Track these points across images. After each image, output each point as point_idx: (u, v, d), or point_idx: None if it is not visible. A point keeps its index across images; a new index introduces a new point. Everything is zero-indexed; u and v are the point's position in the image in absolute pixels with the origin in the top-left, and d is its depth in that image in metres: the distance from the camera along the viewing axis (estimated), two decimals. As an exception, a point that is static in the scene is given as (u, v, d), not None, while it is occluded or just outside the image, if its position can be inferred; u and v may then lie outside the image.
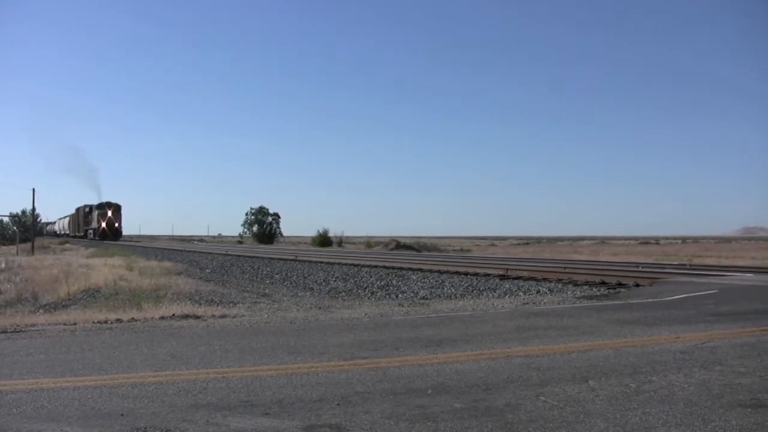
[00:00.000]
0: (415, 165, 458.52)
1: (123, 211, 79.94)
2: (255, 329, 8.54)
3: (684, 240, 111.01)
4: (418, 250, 52.20)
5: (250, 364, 6.05)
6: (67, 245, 62.88)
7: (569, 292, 14.33)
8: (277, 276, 22.49)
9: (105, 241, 67.68)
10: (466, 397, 4.76)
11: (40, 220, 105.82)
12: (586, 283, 16.17)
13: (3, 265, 30.22)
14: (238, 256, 36.84)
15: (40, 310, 15.82)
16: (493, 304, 11.86)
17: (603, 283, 15.90)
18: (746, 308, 9.94)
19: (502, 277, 18.60)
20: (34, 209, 77.01)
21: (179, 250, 46.81)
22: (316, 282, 19.75)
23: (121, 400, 4.74)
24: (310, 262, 28.70)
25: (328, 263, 26.95)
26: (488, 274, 19.48)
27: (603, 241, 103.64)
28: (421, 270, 22.05)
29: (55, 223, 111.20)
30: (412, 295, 15.43)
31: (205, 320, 9.64)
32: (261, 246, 68.32)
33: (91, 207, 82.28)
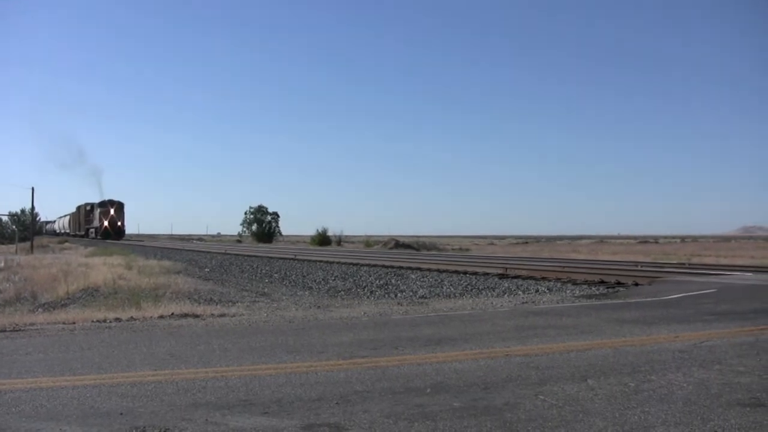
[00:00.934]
0: (415, 164, 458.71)
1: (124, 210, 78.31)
2: (254, 328, 8.54)
3: (683, 239, 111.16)
4: (417, 249, 52.23)
5: (249, 363, 6.05)
6: (66, 244, 62.78)
7: (568, 292, 14.34)
8: (276, 275, 22.49)
9: (107, 241, 66.15)
10: (465, 396, 4.76)
11: (39, 219, 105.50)
12: (585, 282, 16.18)
13: (2, 264, 30.21)
14: (237, 255, 36.84)
15: (39, 309, 15.81)
16: (492, 303, 11.87)
17: (602, 282, 15.91)
18: (745, 307, 9.95)
19: (501, 277, 18.61)
20: (33, 208, 76.91)
21: (178, 249, 46.82)
22: (315, 281, 19.76)
23: (120, 399, 4.74)
24: (309, 261, 28.70)
25: (327, 262, 26.96)
26: (487, 273, 19.49)
27: (602, 240, 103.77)
28: (420, 269, 22.06)
29: (54, 222, 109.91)
30: (411, 294, 15.43)
31: (204, 319, 9.64)
32: (260, 245, 68.32)
33: (92, 205, 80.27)
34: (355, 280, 19.14)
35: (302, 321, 9.26)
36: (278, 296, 15.47)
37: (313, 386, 5.09)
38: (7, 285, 22.39)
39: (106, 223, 74.73)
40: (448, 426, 4.07)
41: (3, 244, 75.46)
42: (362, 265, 24.61)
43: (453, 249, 57.01)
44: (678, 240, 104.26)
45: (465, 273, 19.94)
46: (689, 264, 23.92)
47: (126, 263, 26.27)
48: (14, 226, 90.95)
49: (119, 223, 76.28)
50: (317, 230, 69.34)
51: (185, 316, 10.05)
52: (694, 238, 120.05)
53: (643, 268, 19.53)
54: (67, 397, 4.82)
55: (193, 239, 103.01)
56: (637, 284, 14.87)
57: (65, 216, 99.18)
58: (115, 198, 78.63)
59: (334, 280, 19.76)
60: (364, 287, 17.35)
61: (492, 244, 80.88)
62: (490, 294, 14.67)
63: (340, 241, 69.24)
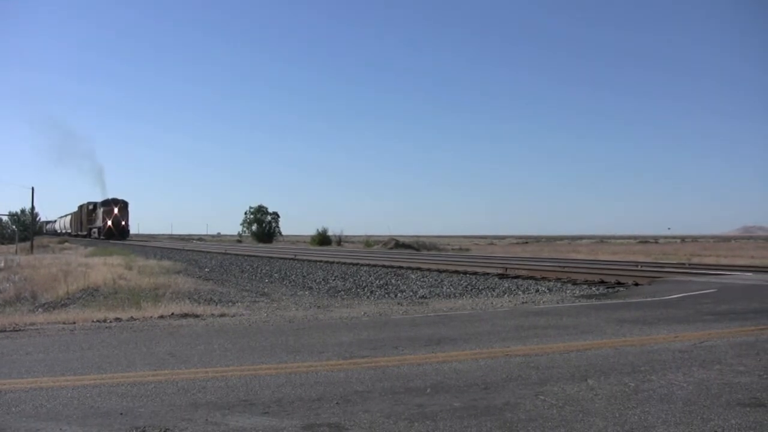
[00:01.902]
0: (415, 164, 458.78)
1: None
2: (254, 328, 8.54)
3: (683, 239, 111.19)
4: (417, 249, 52.20)
5: (249, 363, 6.05)
6: (66, 244, 62.59)
7: (568, 291, 14.34)
8: (276, 275, 22.48)
9: (111, 241, 64.16)
10: (465, 396, 4.76)
11: (39, 219, 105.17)
12: (585, 282, 16.18)
13: (2, 264, 30.19)
14: (237, 255, 36.84)
15: (39, 309, 15.80)
16: (492, 303, 11.87)
17: (602, 282, 15.91)
18: (745, 307, 9.95)
19: (501, 276, 18.61)
20: (33, 208, 76.77)
21: (178, 249, 46.81)
22: (315, 281, 19.75)
23: (120, 399, 4.74)
24: (309, 261, 28.70)
25: (327, 262, 26.95)
26: (487, 273, 19.49)
27: (602, 240, 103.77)
28: (420, 269, 22.06)
29: (55, 221, 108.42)
30: (411, 294, 15.43)
31: (204, 319, 9.64)
32: (260, 245, 68.27)
33: (95, 204, 78.02)
34: (355, 280, 19.14)
35: (302, 321, 9.27)
36: (278, 296, 15.47)
37: (313, 386, 5.09)
38: (7, 285, 22.37)
39: (109, 222, 72.54)
40: (448, 426, 4.07)
41: (3, 244, 75.22)
42: (362, 265, 24.60)
43: (453, 249, 56.97)
44: (678, 240, 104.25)
45: (465, 273, 19.94)
46: (689, 264, 23.92)
47: (126, 263, 26.27)
48: (14, 226, 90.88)
49: (123, 223, 73.95)
50: (317, 230, 69.36)
51: (185, 316, 10.06)
52: (694, 238, 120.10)
53: (643, 268, 19.53)
54: (67, 397, 4.83)
55: (193, 239, 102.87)
56: (637, 284, 14.87)
57: (66, 215, 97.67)
58: (119, 197, 76.36)
59: (334, 280, 19.76)
60: (364, 287, 17.35)
61: (492, 244, 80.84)
62: (490, 294, 14.67)
63: (340, 241, 69.20)
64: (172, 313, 10.31)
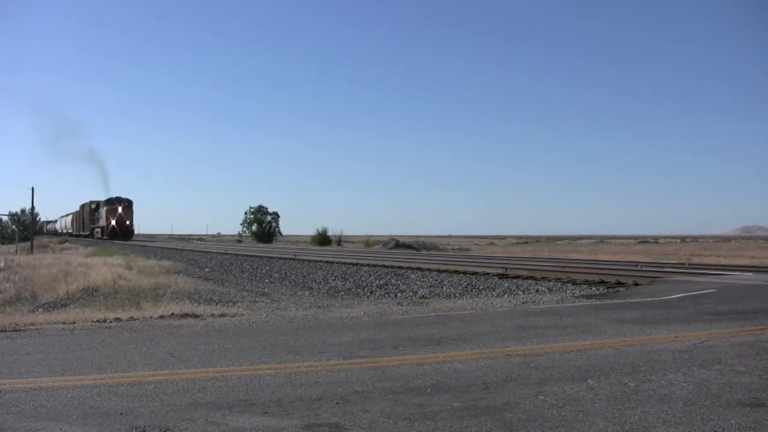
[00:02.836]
0: (415, 164, 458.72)
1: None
2: (254, 328, 8.54)
3: (683, 239, 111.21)
4: (417, 249, 52.21)
5: (249, 363, 6.05)
6: (67, 244, 62.53)
7: (568, 291, 14.34)
8: (276, 275, 22.48)
9: (115, 241, 61.75)
10: (465, 396, 4.76)
11: (40, 218, 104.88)
12: (585, 282, 16.18)
13: (2, 264, 30.19)
14: (237, 255, 36.83)
15: (39, 309, 15.81)
16: (492, 303, 11.87)
17: (602, 282, 15.91)
18: (745, 307, 9.95)
19: (501, 276, 18.61)
20: (33, 208, 76.78)
21: (178, 249, 46.79)
22: (315, 281, 19.76)
23: (120, 399, 4.74)
24: (309, 261, 28.70)
25: (327, 262, 26.95)
26: (487, 273, 19.49)
27: (602, 240, 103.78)
28: (420, 269, 22.06)
29: (56, 221, 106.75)
30: (411, 294, 15.43)
31: (204, 319, 9.64)
32: (260, 245, 68.25)
33: (98, 203, 75.43)
34: (355, 280, 19.14)
35: (302, 321, 9.27)
36: (278, 296, 15.47)
37: (313, 386, 5.09)
38: (7, 285, 22.38)
39: (113, 222, 69.57)
40: (448, 426, 4.07)
41: (3, 244, 75.16)
42: (362, 265, 24.60)
43: (453, 249, 56.98)
44: (678, 240, 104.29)
45: (465, 273, 19.94)
46: (689, 264, 23.92)
47: (126, 263, 26.27)
48: (14, 226, 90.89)
49: (128, 223, 71.18)
50: (317, 230, 69.38)
51: (185, 316, 10.06)
52: (694, 238, 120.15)
53: (643, 268, 19.52)
54: (67, 397, 4.83)
55: (193, 239, 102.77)
56: (637, 284, 14.87)
57: (68, 215, 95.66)
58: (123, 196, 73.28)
59: (334, 280, 19.76)
60: (364, 287, 17.35)
61: (492, 244, 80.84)
62: (490, 294, 14.67)
63: (340, 241, 69.21)
64: (172, 313, 10.31)
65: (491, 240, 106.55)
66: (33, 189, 62.49)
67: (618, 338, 7.22)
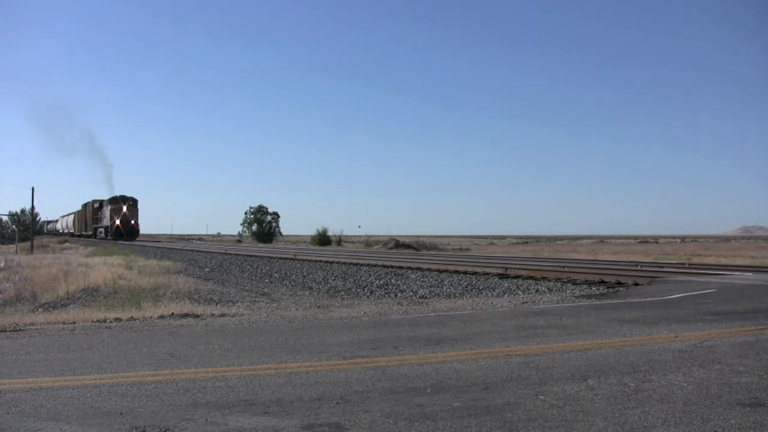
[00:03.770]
0: (415, 164, 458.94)
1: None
2: (254, 328, 8.54)
3: (683, 239, 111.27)
4: (417, 249, 52.21)
5: (249, 363, 6.05)
6: (67, 244, 62.39)
7: (568, 291, 14.34)
8: (276, 275, 22.48)
9: (119, 242, 59.89)
10: (465, 396, 4.76)
11: (40, 218, 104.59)
12: (585, 282, 16.19)
13: (2, 264, 30.19)
14: (237, 255, 36.84)
15: (39, 309, 15.80)
16: (492, 303, 11.87)
17: (602, 282, 15.92)
18: (745, 307, 9.95)
19: (501, 276, 18.62)
20: (33, 208, 76.83)
21: (178, 249, 46.80)
22: (315, 281, 19.76)
23: (120, 399, 4.74)
24: (309, 261, 28.70)
25: (327, 262, 26.96)
26: (487, 273, 19.49)
27: (602, 240, 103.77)
28: (420, 269, 22.06)
29: (57, 221, 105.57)
30: (411, 294, 15.43)
31: (204, 319, 9.64)
32: (260, 245, 68.20)
33: (101, 202, 72.65)
34: (355, 280, 19.14)
35: (302, 321, 9.26)
36: (278, 296, 15.47)
37: (314, 386, 5.09)
38: (7, 285, 22.36)
39: (118, 221, 66.81)
40: (448, 426, 4.07)
41: (3, 244, 75.06)
42: (362, 265, 24.61)
43: (453, 249, 56.96)
44: (678, 240, 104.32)
45: (465, 273, 19.95)
46: (689, 264, 23.92)
47: (126, 263, 26.27)
48: (14, 226, 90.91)
49: (133, 222, 68.34)
50: (317, 230, 69.34)
51: (185, 316, 10.06)
52: (694, 238, 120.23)
53: (643, 268, 19.52)
54: (67, 396, 4.83)
55: (193, 239, 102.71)
56: (637, 284, 14.87)
57: (69, 214, 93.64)
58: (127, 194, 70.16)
59: (335, 279, 19.76)
60: (364, 287, 17.35)
61: (492, 244, 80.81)
62: (490, 294, 14.67)
63: (340, 241, 69.21)
64: (172, 313, 10.31)
65: (491, 240, 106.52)
66: (33, 189, 62.70)
67: (618, 338, 7.22)
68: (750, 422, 4.09)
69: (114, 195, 70.23)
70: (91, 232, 75.65)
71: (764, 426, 4.04)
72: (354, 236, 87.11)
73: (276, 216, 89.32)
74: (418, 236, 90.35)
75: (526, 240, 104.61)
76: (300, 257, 31.08)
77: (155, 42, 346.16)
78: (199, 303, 13.10)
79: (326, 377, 5.40)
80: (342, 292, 16.47)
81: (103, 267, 24.20)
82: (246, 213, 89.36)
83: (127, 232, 66.79)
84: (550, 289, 15.04)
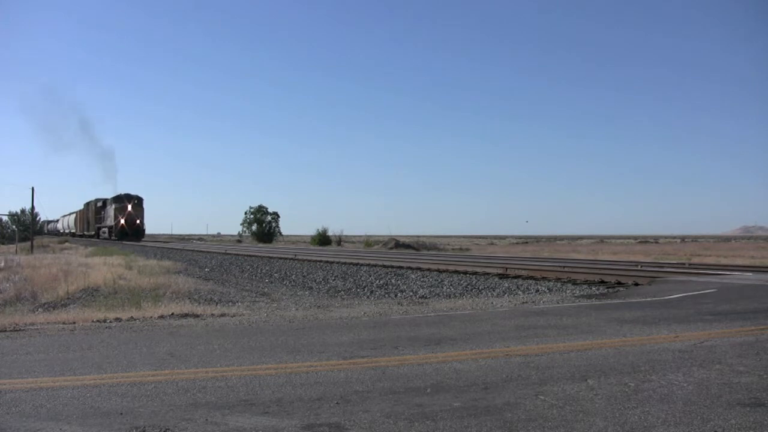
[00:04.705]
0: (415, 164, 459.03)
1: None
2: (254, 328, 8.54)
3: (683, 239, 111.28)
4: (417, 249, 52.20)
5: (249, 363, 6.05)
6: (67, 244, 62.24)
7: (568, 291, 14.34)
8: (276, 275, 22.48)
9: (124, 242, 57.62)
10: (465, 396, 4.76)
11: (40, 218, 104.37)
12: (585, 282, 16.19)
13: (2, 264, 30.18)
14: (237, 255, 36.84)
15: (39, 309, 15.80)
16: (492, 303, 11.87)
17: (602, 282, 15.92)
18: (745, 307, 9.95)
19: (501, 276, 18.62)
20: (33, 207, 76.77)
21: (178, 249, 46.80)
22: (315, 281, 19.75)
23: (120, 399, 4.74)
24: (309, 261, 28.70)
25: (327, 262, 26.95)
26: (487, 273, 19.49)
27: (602, 240, 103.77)
28: (420, 269, 22.06)
29: (58, 221, 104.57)
30: (411, 294, 15.43)
31: (204, 319, 9.64)
32: (260, 245, 68.14)
33: (105, 201, 69.69)
34: (355, 280, 19.14)
35: (302, 321, 9.26)
36: (278, 296, 15.47)
37: (314, 386, 5.09)
38: (7, 285, 22.36)
39: (122, 221, 63.84)
40: (448, 426, 4.07)
41: (3, 244, 74.98)
42: (362, 265, 24.60)
43: (453, 249, 56.94)
44: (678, 240, 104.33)
45: (465, 273, 19.94)
46: (689, 264, 23.91)
47: (126, 263, 26.27)
48: (14, 226, 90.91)
49: (138, 222, 65.39)
50: (317, 230, 69.31)
51: (185, 316, 10.06)
52: (694, 238, 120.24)
53: (644, 268, 19.52)
54: (67, 396, 4.83)
55: (193, 239, 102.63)
56: (637, 284, 14.87)
57: (71, 214, 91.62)
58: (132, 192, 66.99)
59: (335, 279, 19.76)
60: (364, 287, 17.35)
61: (492, 244, 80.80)
62: (490, 294, 14.67)
63: (340, 241, 69.19)
64: (172, 313, 10.31)
65: (491, 240, 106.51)
66: (33, 189, 62.65)
67: (618, 338, 7.22)
68: (750, 422, 4.09)
69: (118, 193, 67.28)
70: (93, 232, 73.41)
71: (764, 426, 4.04)
72: (354, 236, 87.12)
73: (276, 216, 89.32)
74: (418, 236, 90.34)
75: (526, 240, 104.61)
76: (300, 257, 31.08)
77: (155, 42, 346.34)
78: (199, 303, 13.10)
79: (326, 377, 5.40)
80: (342, 292, 16.47)
81: (103, 267, 24.20)
82: (246, 213, 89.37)
83: (133, 232, 64.30)
84: (550, 289, 15.04)
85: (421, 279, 18.81)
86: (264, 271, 24.51)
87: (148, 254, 36.83)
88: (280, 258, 31.82)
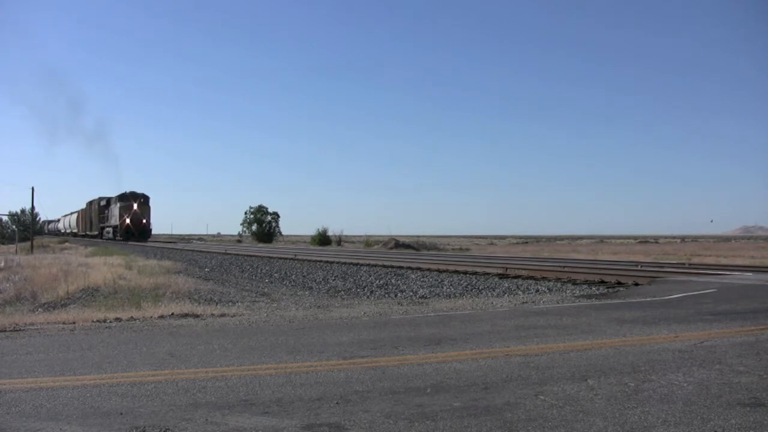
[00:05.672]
0: (415, 164, 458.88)
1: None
2: (254, 328, 8.54)
3: (683, 239, 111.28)
4: (417, 249, 52.19)
5: (249, 363, 6.05)
6: (67, 244, 62.05)
7: (568, 291, 14.33)
8: (276, 275, 22.48)
9: (130, 242, 55.85)
10: (465, 396, 4.76)
11: (40, 218, 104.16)
12: (585, 282, 16.19)
13: (2, 264, 30.18)
14: (238, 255, 36.83)
15: (39, 309, 15.79)
16: (492, 303, 11.87)
17: (602, 282, 15.91)
18: (745, 307, 9.94)
19: (501, 276, 18.61)
20: (33, 207, 76.73)
21: (178, 249, 46.79)
22: (315, 281, 19.75)
23: (120, 399, 4.75)
24: (309, 261, 28.69)
25: (327, 262, 26.95)
26: (487, 273, 19.49)
27: (602, 240, 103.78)
28: (420, 269, 22.06)
29: (58, 220, 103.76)
30: (411, 294, 15.43)
31: (204, 319, 9.64)
32: (260, 245, 68.10)
33: (108, 200, 67.16)
34: (355, 280, 19.14)
35: (302, 321, 9.26)
36: (278, 296, 15.46)
37: (314, 386, 5.09)
38: (7, 285, 22.36)
39: (128, 220, 61.20)
40: (448, 426, 4.07)
41: (3, 244, 74.92)
42: (362, 265, 24.60)
43: (453, 249, 56.92)
44: (678, 240, 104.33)
45: (465, 273, 19.94)
46: (689, 264, 23.91)
47: (126, 263, 26.26)
48: (14, 226, 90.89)
49: (144, 221, 62.78)
50: (317, 230, 69.32)
51: (185, 316, 10.06)
52: (694, 238, 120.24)
53: (644, 268, 19.51)
54: (67, 396, 4.83)
55: (193, 239, 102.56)
56: (637, 284, 14.86)
57: (72, 213, 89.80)
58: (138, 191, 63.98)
59: (335, 279, 19.75)
60: (364, 287, 17.34)
61: (492, 244, 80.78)
62: (490, 294, 14.67)
63: (340, 241, 69.19)
64: (172, 313, 10.31)
65: (491, 240, 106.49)
66: (33, 189, 62.52)
67: (618, 338, 7.22)
68: (750, 422, 4.09)
69: (123, 191, 64.09)
70: (96, 232, 70.91)
71: (764, 426, 4.04)
72: (354, 236, 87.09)
73: (276, 216, 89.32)
74: (418, 236, 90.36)
75: (526, 240, 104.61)
76: (300, 257, 31.08)
77: (155, 42, 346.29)
78: (199, 303, 13.10)
79: (326, 377, 5.40)
80: (342, 292, 16.47)
81: (103, 267, 24.20)
82: (246, 213, 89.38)
83: (139, 232, 61.68)
84: (550, 289, 15.03)
85: (421, 279, 18.81)
86: (264, 271, 24.51)
87: (148, 254, 36.82)
88: (280, 258, 31.81)
